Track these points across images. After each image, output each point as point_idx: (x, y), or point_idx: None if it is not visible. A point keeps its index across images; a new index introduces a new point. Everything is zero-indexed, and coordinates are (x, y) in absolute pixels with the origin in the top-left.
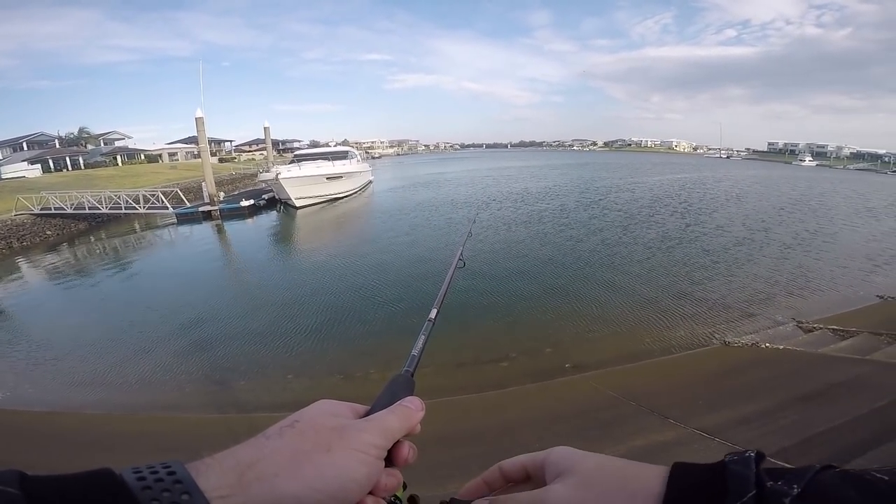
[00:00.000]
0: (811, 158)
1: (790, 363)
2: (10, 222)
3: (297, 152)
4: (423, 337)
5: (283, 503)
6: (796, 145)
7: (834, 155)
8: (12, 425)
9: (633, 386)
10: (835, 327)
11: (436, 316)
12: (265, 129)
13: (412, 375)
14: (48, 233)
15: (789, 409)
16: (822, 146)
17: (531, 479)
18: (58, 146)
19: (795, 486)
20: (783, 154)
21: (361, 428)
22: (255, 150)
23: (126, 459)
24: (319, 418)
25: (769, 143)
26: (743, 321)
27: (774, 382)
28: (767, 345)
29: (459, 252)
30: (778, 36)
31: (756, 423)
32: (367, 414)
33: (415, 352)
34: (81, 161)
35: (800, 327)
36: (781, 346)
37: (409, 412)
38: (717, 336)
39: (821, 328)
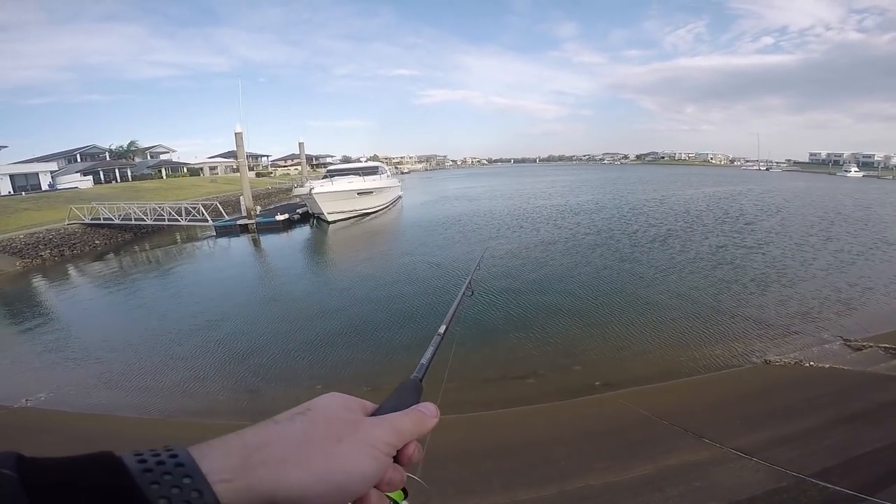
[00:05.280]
0: (857, 169)
1: (836, 382)
2: (63, 231)
3: (330, 167)
4: (431, 349)
5: (287, 490)
6: (840, 155)
7: (882, 165)
8: (53, 425)
9: (667, 405)
10: (886, 345)
11: (445, 332)
12: (300, 144)
13: (421, 381)
14: (97, 242)
15: (834, 429)
16: (869, 156)
17: None
18: (108, 158)
19: None
20: (827, 165)
21: (374, 424)
22: (290, 165)
23: None
24: (332, 409)
25: (811, 154)
26: (786, 339)
27: (819, 402)
28: (812, 363)
29: (468, 281)
30: (818, 42)
31: (797, 442)
32: (375, 412)
33: (423, 360)
34: (129, 173)
35: (847, 345)
36: (827, 365)
37: (423, 417)
38: (757, 354)
39: (871, 346)
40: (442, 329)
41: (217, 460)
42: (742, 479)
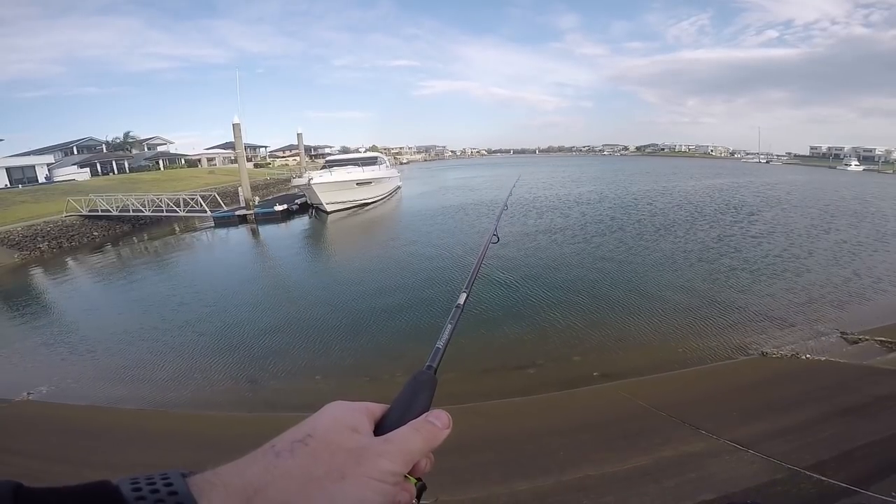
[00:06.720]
0: (857, 163)
1: (832, 375)
2: (60, 223)
3: (329, 158)
4: (449, 326)
5: None
6: (841, 149)
7: (883, 159)
8: (55, 419)
9: (664, 396)
10: (882, 339)
11: (465, 301)
12: (298, 135)
13: (435, 372)
14: (95, 234)
15: (829, 422)
16: (870, 150)
17: None
18: (105, 151)
19: None
20: (827, 159)
21: (380, 452)
22: (288, 156)
23: (158, 457)
24: (335, 434)
25: (811, 148)
26: (783, 332)
27: (815, 394)
28: (808, 356)
29: (494, 227)
30: (823, 36)
31: (793, 435)
32: (385, 416)
33: (439, 344)
34: (127, 165)
35: (844, 338)
36: (823, 358)
37: (434, 431)
38: (754, 346)
39: (867, 339)
40: (461, 298)
41: (217, 502)
42: (737, 471)
